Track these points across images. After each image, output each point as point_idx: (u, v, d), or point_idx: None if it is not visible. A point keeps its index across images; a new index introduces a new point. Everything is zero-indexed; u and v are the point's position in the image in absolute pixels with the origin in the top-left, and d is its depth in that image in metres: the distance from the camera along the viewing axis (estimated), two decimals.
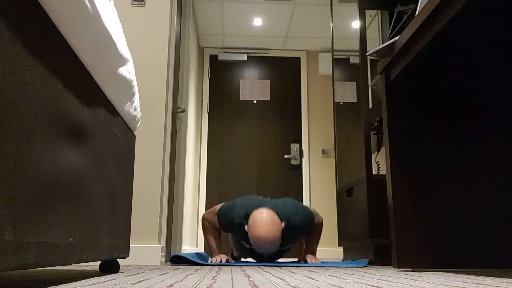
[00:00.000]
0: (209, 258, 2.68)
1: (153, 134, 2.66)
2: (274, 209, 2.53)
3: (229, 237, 3.00)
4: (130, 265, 2.32)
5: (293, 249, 5.17)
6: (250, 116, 5.57)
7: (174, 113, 3.21)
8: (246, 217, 2.53)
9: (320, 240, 5.25)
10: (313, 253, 2.70)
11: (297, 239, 2.76)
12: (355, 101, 4.59)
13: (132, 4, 2.80)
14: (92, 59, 1.13)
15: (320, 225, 2.74)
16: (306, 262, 2.64)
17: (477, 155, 1.97)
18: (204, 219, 2.71)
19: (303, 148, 5.47)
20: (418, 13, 1.70)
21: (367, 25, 3.16)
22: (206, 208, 5.31)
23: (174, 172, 3.26)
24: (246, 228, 2.49)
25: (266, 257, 2.74)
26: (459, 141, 1.98)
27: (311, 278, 1.32)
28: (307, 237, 2.75)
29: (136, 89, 1.56)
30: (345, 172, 3.65)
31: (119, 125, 1.48)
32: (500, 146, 1.97)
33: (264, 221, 2.38)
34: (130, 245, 2.47)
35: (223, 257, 2.60)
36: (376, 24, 3.27)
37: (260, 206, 2.53)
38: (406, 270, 1.85)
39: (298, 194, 5.37)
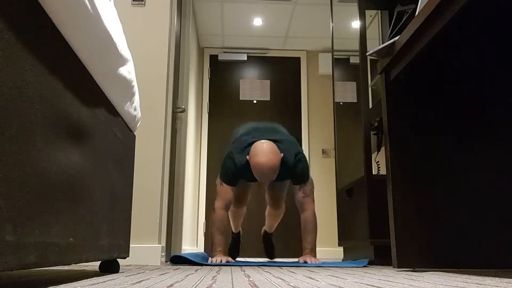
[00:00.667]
0: (209, 258, 2.68)
1: (153, 134, 2.66)
2: (276, 142, 2.76)
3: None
4: (130, 265, 2.32)
5: (292, 248, 5.17)
6: (250, 116, 5.57)
7: (174, 113, 3.21)
8: (246, 155, 2.74)
9: (320, 240, 5.25)
10: (313, 252, 2.70)
11: (290, 179, 2.82)
12: (355, 101, 4.59)
13: (132, 4, 2.80)
14: (92, 59, 1.13)
15: (313, 213, 2.74)
16: (306, 262, 2.64)
17: (477, 155, 1.97)
18: (215, 209, 2.75)
19: (303, 148, 5.47)
20: (418, 13, 1.70)
21: (367, 25, 3.16)
22: (206, 208, 5.32)
23: (174, 172, 3.26)
24: (248, 158, 2.69)
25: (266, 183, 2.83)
26: (459, 141, 1.98)
27: (311, 278, 1.32)
28: (304, 232, 2.73)
29: (136, 89, 1.56)
30: (345, 172, 3.65)
31: (119, 125, 1.48)
32: (500, 146, 1.97)
33: (264, 149, 2.63)
34: (130, 245, 2.47)
35: (224, 258, 2.60)
36: (376, 24, 3.27)
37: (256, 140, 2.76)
38: (406, 270, 1.85)
39: None
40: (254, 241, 5.21)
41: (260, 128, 2.83)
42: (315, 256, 2.70)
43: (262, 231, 3.50)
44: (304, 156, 2.81)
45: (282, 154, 2.70)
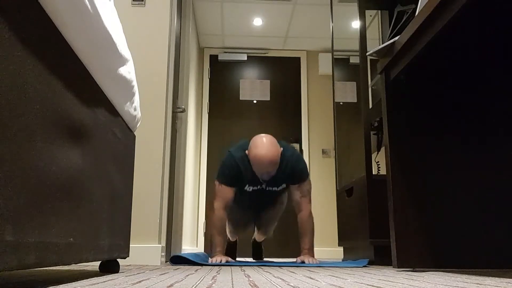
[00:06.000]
0: (210, 258, 2.67)
1: (153, 134, 2.66)
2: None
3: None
4: (130, 265, 2.32)
5: (291, 248, 5.18)
6: (250, 116, 5.57)
7: (174, 113, 3.21)
8: (244, 150, 2.73)
9: (320, 240, 5.25)
10: (310, 251, 2.66)
11: (288, 181, 2.75)
12: (355, 101, 4.59)
13: (132, 4, 2.80)
14: (92, 59, 1.13)
15: (309, 213, 2.70)
16: (303, 262, 2.62)
17: (478, 155, 1.97)
18: (214, 210, 2.70)
19: (303, 148, 5.47)
20: (418, 13, 1.70)
21: (367, 25, 3.16)
22: (206, 209, 5.31)
23: (174, 172, 3.26)
24: (247, 152, 2.67)
25: (264, 184, 2.76)
26: (459, 141, 1.98)
27: (311, 278, 1.32)
28: (301, 232, 2.69)
29: (136, 89, 1.56)
30: (345, 172, 3.65)
31: (119, 125, 1.48)
32: (500, 146, 1.97)
33: (264, 141, 2.60)
34: (130, 245, 2.47)
35: (223, 258, 2.59)
36: (376, 24, 3.27)
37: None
38: (406, 270, 1.85)
39: None
40: None
41: None
42: (313, 256, 2.66)
43: (252, 239, 3.47)
44: (302, 156, 2.80)
45: (281, 148, 2.68)
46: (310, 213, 2.70)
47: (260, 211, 3.05)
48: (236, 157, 2.69)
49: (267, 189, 2.80)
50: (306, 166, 2.76)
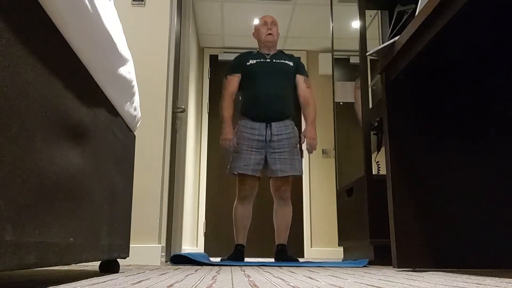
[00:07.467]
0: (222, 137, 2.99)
1: (153, 134, 2.66)
2: None
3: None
4: (130, 265, 2.32)
5: (291, 248, 5.18)
6: None
7: (174, 113, 3.21)
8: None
9: (320, 240, 5.25)
10: (313, 124, 3.10)
11: (290, 61, 3.17)
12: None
13: (132, 4, 2.80)
14: (92, 59, 1.13)
15: (314, 100, 3.20)
16: (304, 138, 3.06)
17: (478, 155, 1.97)
18: (222, 97, 3.11)
19: (303, 148, 5.46)
20: (418, 13, 1.70)
21: (367, 25, 3.16)
22: (206, 208, 5.31)
23: (174, 172, 3.26)
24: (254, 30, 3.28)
25: (268, 56, 3.16)
26: (459, 141, 1.98)
27: (311, 278, 1.32)
28: (305, 108, 3.16)
29: (136, 89, 1.56)
30: (345, 172, 3.65)
31: (119, 125, 1.48)
32: (500, 146, 1.97)
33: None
34: (130, 245, 2.47)
35: (230, 139, 2.97)
36: (376, 24, 3.27)
37: None
38: (406, 270, 1.85)
39: (298, 194, 5.37)
40: (255, 241, 5.21)
41: None
42: (314, 128, 3.10)
43: (275, 248, 3.08)
44: None
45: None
46: (314, 101, 3.20)
47: (270, 97, 3.12)
48: (244, 52, 3.25)
49: (272, 60, 3.13)
50: (302, 64, 3.29)
